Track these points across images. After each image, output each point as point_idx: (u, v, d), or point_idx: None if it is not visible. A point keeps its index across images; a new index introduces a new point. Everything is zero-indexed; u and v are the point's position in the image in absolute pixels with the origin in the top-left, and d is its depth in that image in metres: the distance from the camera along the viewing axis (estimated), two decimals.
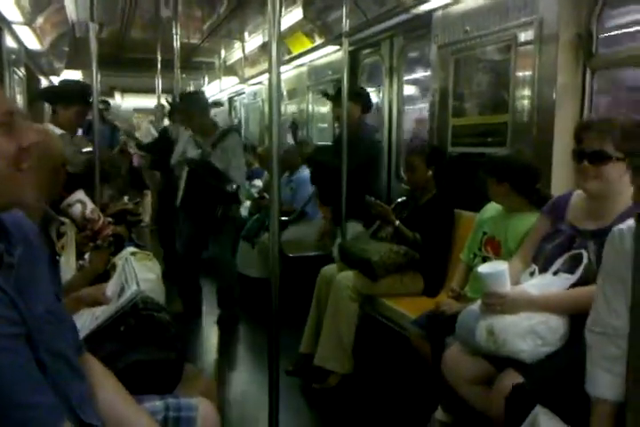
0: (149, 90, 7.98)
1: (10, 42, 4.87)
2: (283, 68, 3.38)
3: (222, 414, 1.59)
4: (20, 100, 5.38)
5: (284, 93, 6.66)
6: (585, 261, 1.83)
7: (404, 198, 3.44)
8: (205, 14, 6.63)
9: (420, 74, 4.45)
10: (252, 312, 4.29)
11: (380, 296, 3.06)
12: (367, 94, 4.06)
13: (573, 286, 1.84)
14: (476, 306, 2.01)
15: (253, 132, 8.92)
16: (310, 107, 6.11)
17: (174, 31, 5.84)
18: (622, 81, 2.84)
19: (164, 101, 6.40)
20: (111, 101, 8.96)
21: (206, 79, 9.84)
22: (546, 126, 2.70)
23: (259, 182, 5.85)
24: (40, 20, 4.98)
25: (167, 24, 6.05)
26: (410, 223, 3.13)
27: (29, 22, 4.69)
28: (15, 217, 1.10)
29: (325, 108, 5.49)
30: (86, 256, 2.20)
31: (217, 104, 5.21)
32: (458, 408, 2.31)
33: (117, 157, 4.41)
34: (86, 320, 1.71)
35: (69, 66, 7.89)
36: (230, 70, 8.69)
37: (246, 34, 7.15)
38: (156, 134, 6.18)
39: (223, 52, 8.60)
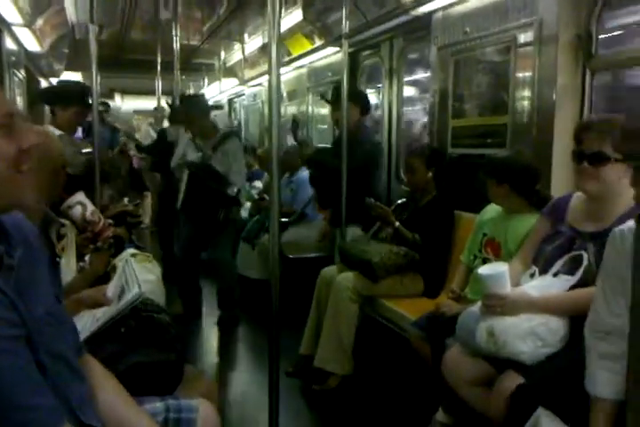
0: (149, 91, 7.99)
1: (10, 44, 4.87)
2: (282, 70, 3.39)
3: (222, 416, 1.59)
4: (19, 101, 5.38)
5: (284, 95, 6.67)
6: (585, 262, 1.83)
7: (404, 200, 3.43)
8: (205, 16, 6.64)
9: (419, 75, 4.45)
10: (252, 313, 4.29)
11: (380, 297, 3.06)
12: (366, 96, 4.06)
13: (573, 287, 1.84)
14: (476, 307, 2.01)
15: (253, 134, 8.92)
16: (310, 108, 6.12)
17: (174, 33, 5.85)
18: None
19: (163, 103, 6.40)
20: (111, 103, 8.96)
21: (206, 81, 9.86)
22: (546, 127, 2.70)
23: (259, 184, 5.85)
24: (40, 21, 4.99)
25: (167, 26, 6.06)
26: (410, 225, 3.13)
27: (29, 24, 4.69)
28: (15, 219, 1.10)
29: (325, 109, 5.49)
30: (86, 258, 2.20)
31: (217, 107, 5.23)
32: (458, 410, 2.31)
33: (117, 159, 4.42)
34: (87, 322, 1.71)
35: (69, 68, 7.90)
36: (230, 72, 8.70)
37: (246, 35, 7.15)
38: (155, 136, 6.19)
39: (223, 54, 8.61)
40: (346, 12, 3.48)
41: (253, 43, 7.01)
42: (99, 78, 3.15)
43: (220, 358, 3.75)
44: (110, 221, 2.38)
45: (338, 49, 4.35)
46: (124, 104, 12.06)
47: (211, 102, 6.39)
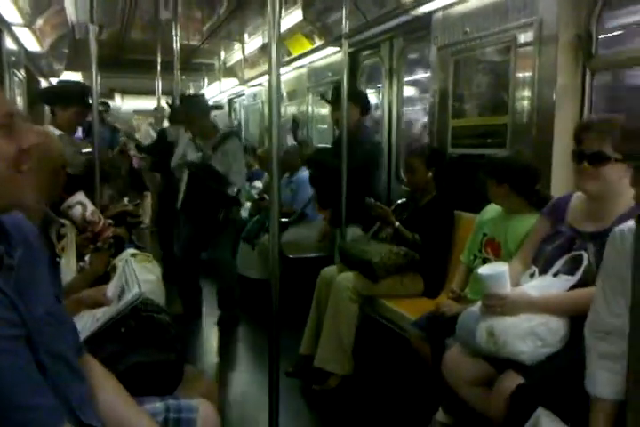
0: (149, 91, 7.99)
1: (10, 44, 4.87)
2: (282, 70, 3.39)
3: (222, 416, 1.59)
4: (20, 102, 5.38)
5: (284, 95, 6.67)
6: (585, 262, 1.83)
7: (404, 200, 3.43)
8: (205, 16, 6.64)
9: (419, 75, 4.45)
10: (252, 313, 4.29)
11: (381, 297, 3.06)
12: (365, 96, 4.07)
13: (573, 287, 1.84)
14: (476, 307, 2.01)
15: (253, 134, 8.93)
16: (310, 108, 6.12)
17: (174, 33, 5.85)
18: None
19: (163, 103, 6.40)
20: (111, 103, 8.96)
21: (206, 81, 9.86)
22: (546, 127, 2.70)
23: (259, 184, 5.85)
24: (40, 21, 4.99)
25: (167, 26, 6.06)
26: (410, 225, 3.13)
27: (29, 24, 4.69)
28: (15, 219, 1.10)
29: (325, 109, 5.49)
30: (86, 258, 2.20)
31: (217, 107, 5.23)
32: (458, 410, 2.31)
33: (117, 159, 4.42)
34: (87, 322, 1.71)
35: (69, 68, 7.90)
36: (230, 72, 8.70)
37: (246, 35, 7.15)
38: (155, 136, 6.19)
39: (223, 54, 8.61)
40: (346, 12, 3.48)
41: (253, 43, 7.01)
42: (99, 78, 3.15)
43: (220, 358, 3.75)
44: (110, 221, 2.39)
45: (338, 49, 4.35)
46: (124, 104, 12.06)
47: (211, 102, 6.39)
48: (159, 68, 6.66)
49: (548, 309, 1.83)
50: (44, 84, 7.22)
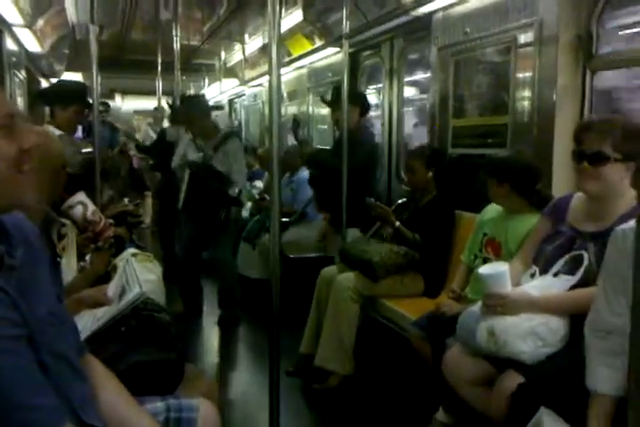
0: (150, 92, 7.99)
1: (10, 44, 4.87)
2: (283, 70, 3.39)
3: (223, 415, 1.59)
4: (20, 102, 5.38)
5: (285, 95, 6.67)
6: (586, 262, 1.83)
7: (405, 200, 3.44)
8: (205, 16, 6.64)
9: (420, 76, 4.46)
10: (252, 313, 4.30)
11: (381, 297, 3.06)
12: (365, 97, 4.07)
13: (574, 287, 1.84)
14: (476, 307, 2.01)
15: (254, 134, 8.93)
16: (310, 109, 6.12)
17: (174, 33, 5.85)
18: None
19: (164, 103, 6.40)
20: (111, 103, 8.97)
21: (206, 81, 9.86)
22: (546, 127, 2.70)
23: (259, 184, 5.86)
24: (40, 22, 4.99)
25: (167, 26, 6.06)
26: (410, 225, 3.14)
27: (30, 25, 4.69)
28: (16, 219, 1.10)
29: (325, 110, 5.49)
30: (87, 258, 2.20)
31: (218, 108, 5.23)
32: (459, 409, 2.31)
33: (117, 158, 4.43)
34: (87, 322, 1.71)
35: (70, 68, 7.91)
36: (230, 72, 8.70)
37: (246, 36, 7.16)
38: (154, 136, 6.19)
39: (223, 54, 8.61)
40: (346, 12, 3.49)
41: (254, 43, 7.01)
42: (99, 79, 3.15)
43: (221, 357, 3.75)
44: (111, 220, 2.39)
45: (338, 49, 4.36)
46: (124, 104, 12.07)
47: (211, 103, 6.39)
48: (159, 68, 6.66)
49: (548, 308, 1.83)
50: (44, 84, 7.23)
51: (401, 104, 4.46)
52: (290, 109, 6.66)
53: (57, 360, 1.05)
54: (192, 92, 9.64)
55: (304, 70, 6.14)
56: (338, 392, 3.02)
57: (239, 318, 4.22)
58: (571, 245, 1.93)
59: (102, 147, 3.61)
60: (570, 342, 1.81)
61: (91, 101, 3.19)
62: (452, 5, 3.30)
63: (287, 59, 5.85)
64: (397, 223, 3.14)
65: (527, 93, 2.81)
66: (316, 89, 5.83)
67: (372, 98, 4.88)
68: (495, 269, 1.94)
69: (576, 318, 1.77)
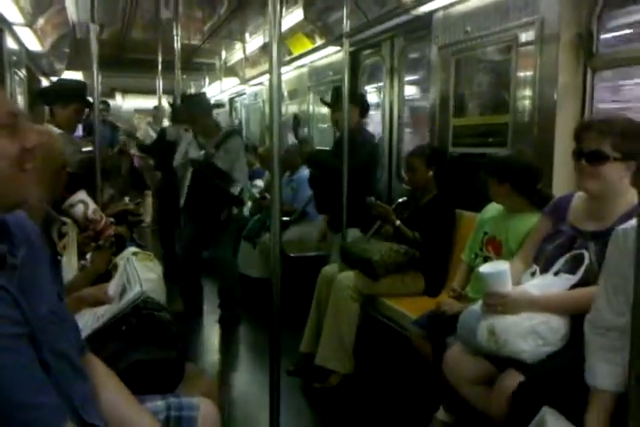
0: (150, 91, 7.99)
1: (11, 43, 4.87)
2: (283, 69, 3.38)
3: (223, 414, 1.60)
4: (20, 101, 5.38)
5: (285, 94, 6.66)
6: (586, 261, 1.83)
7: (405, 199, 3.44)
8: (206, 15, 6.64)
9: (420, 75, 4.45)
10: (253, 312, 4.30)
11: (381, 296, 3.06)
12: (364, 97, 4.07)
13: (574, 286, 1.84)
14: (477, 306, 2.01)
15: (254, 133, 8.92)
16: (311, 108, 6.12)
17: (175, 32, 5.85)
18: None
19: (164, 102, 6.40)
20: (112, 102, 8.96)
21: (207, 80, 9.85)
22: (547, 126, 2.70)
23: (260, 182, 5.85)
24: (41, 21, 4.99)
25: (168, 25, 6.06)
26: (411, 224, 3.14)
27: (30, 23, 4.69)
28: (18, 218, 1.10)
29: (326, 108, 5.49)
30: (88, 256, 2.20)
31: (218, 105, 5.22)
32: (459, 408, 2.32)
33: (117, 157, 4.43)
34: (88, 320, 1.71)
35: (70, 67, 7.90)
36: (231, 71, 8.70)
37: (247, 35, 7.15)
38: (154, 135, 6.18)
39: (224, 53, 8.61)
40: (347, 11, 3.48)
41: (254, 42, 7.01)
42: (100, 78, 3.15)
43: (221, 356, 3.76)
44: (111, 219, 2.39)
45: (339, 48, 4.35)
46: (124, 103, 12.07)
47: (212, 101, 6.38)
48: (160, 67, 6.65)
49: (548, 307, 1.83)
50: (44, 83, 7.23)
51: (402, 103, 4.46)
52: (290, 108, 6.66)
53: (58, 359, 1.05)
54: (192, 90, 9.64)
55: (305, 69, 6.14)
56: (338, 391, 3.02)
57: (239, 316, 4.23)
58: (571, 244, 1.93)
59: (103, 146, 3.62)
60: (570, 341, 1.81)
61: (91, 100, 3.19)
62: (452, 4, 3.30)
63: (288, 58, 5.84)
64: (398, 222, 3.14)
65: (528, 92, 2.81)
66: (317, 88, 5.83)
67: (372, 97, 4.88)
68: (496, 268, 1.94)
69: (576, 317, 1.77)
